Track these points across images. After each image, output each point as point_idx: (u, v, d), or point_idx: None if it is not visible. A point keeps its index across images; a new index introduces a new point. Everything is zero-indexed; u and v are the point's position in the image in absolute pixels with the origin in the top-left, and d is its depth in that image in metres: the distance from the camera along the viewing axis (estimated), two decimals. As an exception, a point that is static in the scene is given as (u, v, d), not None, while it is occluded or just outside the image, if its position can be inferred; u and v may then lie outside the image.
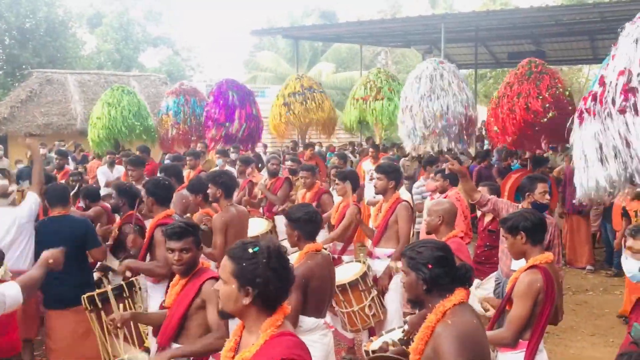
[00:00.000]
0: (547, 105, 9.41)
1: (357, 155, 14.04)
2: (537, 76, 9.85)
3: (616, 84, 3.69)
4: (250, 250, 2.20)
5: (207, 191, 5.28)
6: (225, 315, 2.33)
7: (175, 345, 3.24)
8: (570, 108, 9.40)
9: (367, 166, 9.71)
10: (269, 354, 2.13)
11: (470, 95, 10.61)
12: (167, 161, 10.27)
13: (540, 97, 9.49)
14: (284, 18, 35.04)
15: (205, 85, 25.21)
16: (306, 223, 3.80)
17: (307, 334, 3.58)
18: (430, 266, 2.51)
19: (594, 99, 3.85)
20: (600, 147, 3.73)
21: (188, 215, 5.67)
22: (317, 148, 15.18)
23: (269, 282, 2.17)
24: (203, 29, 68.60)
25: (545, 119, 9.36)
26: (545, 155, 12.72)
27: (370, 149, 10.56)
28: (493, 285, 4.84)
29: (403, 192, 7.48)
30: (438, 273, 2.51)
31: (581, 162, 3.96)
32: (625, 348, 2.81)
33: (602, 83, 3.83)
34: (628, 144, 3.56)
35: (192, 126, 13.87)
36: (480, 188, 5.74)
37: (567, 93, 10.00)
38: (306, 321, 3.62)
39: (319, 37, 20.89)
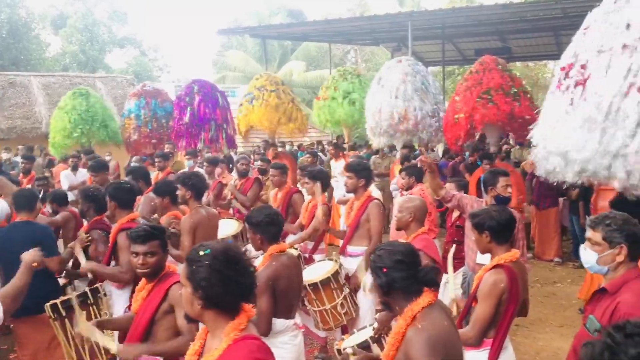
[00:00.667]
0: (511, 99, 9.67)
1: (327, 154, 14.05)
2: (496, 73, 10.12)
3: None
4: (201, 253, 2.20)
5: (176, 193, 5.22)
6: (190, 319, 2.31)
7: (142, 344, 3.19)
8: (530, 104, 9.63)
9: (334, 166, 9.79)
10: (232, 358, 2.11)
11: (438, 92, 10.71)
12: (133, 164, 10.13)
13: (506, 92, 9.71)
14: (251, 17, 34.82)
15: (174, 85, 24.96)
16: (268, 225, 3.76)
17: (277, 335, 3.57)
18: (384, 270, 2.49)
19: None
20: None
21: (156, 216, 5.59)
22: (287, 147, 15.15)
23: (212, 285, 2.15)
24: (170, 28, 67.86)
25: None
26: (512, 150, 12.99)
27: (330, 148, 10.61)
28: (461, 280, 4.90)
29: (374, 190, 7.54)
30: (394, 277, 2.48)
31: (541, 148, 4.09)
32: (586, 339, 2.86)
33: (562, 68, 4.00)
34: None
35: (154, 129, 13.67)
36: (448, 184, 5.79)
37: (527, 89, 10.23)
38: (276, 323, 3.60)
39: (286, 36, 20.83)
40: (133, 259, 3.29)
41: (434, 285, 2.55)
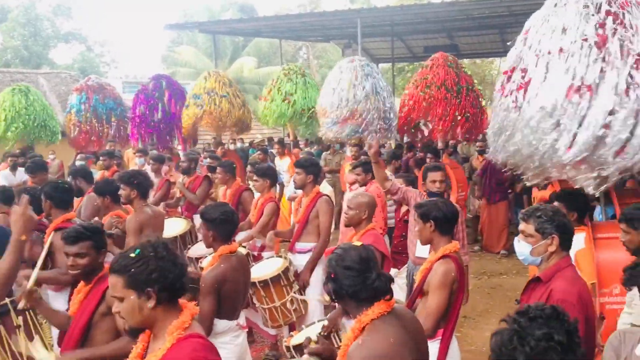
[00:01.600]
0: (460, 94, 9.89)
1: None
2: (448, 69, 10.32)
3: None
4: (132, 255, 2.14)
5: (118, 192, 5.08)
6: (134, 333, 2.24)
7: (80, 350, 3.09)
8: (480, 100, 9.86)
9: (279, 163, 9.80)
10: (176, 358, 2.07)
11: (388, 89, 10.82)
12: (78, 162, 9.83)
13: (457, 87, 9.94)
14: (202, 12, 34.31)
15: (121, 81, 24.36)
16: (222, 223, 3.71)
17: (219, 336, 3.54)
18: (332, 276, 2.41)
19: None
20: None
21: (96, 218, 5.42)
22: (239, 144, 15.00)
23: (166, 272, 2.13)
24: (117, 23, 66.11)
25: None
26: (460, 145, 13.25)
27: (276, 145, 10.60)
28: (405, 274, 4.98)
29: (324, 187, 7.55)
30: (342, 284, 2.38)
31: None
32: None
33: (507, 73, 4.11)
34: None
35: (93, 125, 13.32)
36: (396, 179, 5.86)
37: (476, 87, 10.45)
38: (219, 324, 3.56)
39: (236, 32, 20.58)
40: (65, 260, 3.19)
41: (385, 294, 2.40)
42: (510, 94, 4.04)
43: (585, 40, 3.88)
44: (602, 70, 3.80)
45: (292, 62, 15.49)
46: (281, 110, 12.41)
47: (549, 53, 3.95)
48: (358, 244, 2.57)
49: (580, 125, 3.78)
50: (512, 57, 4.32)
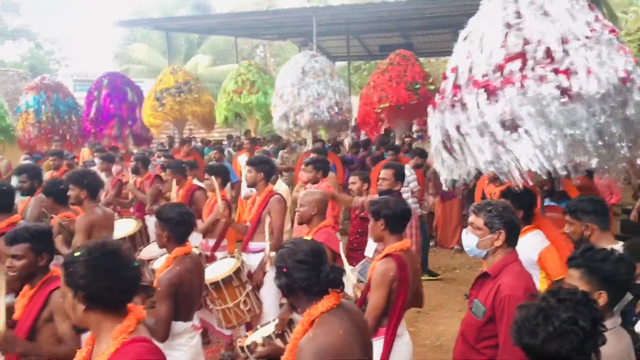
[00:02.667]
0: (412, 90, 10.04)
1: (237, 149, 13.88)
2: (404, 66, 10.45)
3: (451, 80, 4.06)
4: (76, 254, 2.11)
5: (67, 193, 4.94)
6: (78, 330, 2.21)
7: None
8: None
9: (242, 160, 9.63)
10: None
11: (343, 86, 10.86)
12: (25, 162, 9.50)
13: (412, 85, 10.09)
14: (156, 9, 33.68)
15: (72, 79, 23.69)
16: (178, 224, 3.63)
17: (174, 338, 3.48)
18: (285, 270, 2.42)
19: (439, 92, 4.19)
20: (446, 137, 4.04)
21: (44, 220, 5.27)
22: (193, 143, 14.80)
23: (91, 282, 2.07)
24: (68, 19, 64.17)
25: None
26: (413, 143, 13.42)
27: (245, 141, 10.51)
28: (360, 268, 4.99)
29: (280, 184, 7.52)
30: (294, 278, 2.40)
31: (436, 151, 4.25)
32: (472, 322, 2.98)
33: (444, 77, 4.16)
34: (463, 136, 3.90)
35: (55, 124, 12.94)
36: (352, 177, 5.87)
37: (431, 85, 10.60)
38: (174, 325, 3.49)
39: (191, 29, 20.37)
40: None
41: (338, 285, 2.43)
42: (543, 80, 4.05)
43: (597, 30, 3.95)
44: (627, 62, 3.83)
45: (248, 60, 15.32)
46: (264, 102, 12.39)
47: (578, 40, 3.95)
48: (308, 238, 2.58)
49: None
50: (506, 46, 4.31)
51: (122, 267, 2.14)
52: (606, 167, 3.77)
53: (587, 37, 3.81)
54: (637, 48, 20.45)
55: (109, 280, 2.09)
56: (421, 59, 23.78)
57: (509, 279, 2.87)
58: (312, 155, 7.80)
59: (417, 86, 11.16)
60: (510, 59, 3.92)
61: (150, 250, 5.55)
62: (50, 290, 3.01)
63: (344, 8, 14.79)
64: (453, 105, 4.02)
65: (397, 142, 12.11)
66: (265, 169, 5.32)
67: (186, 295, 3.52)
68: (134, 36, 34.57)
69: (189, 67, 27.03)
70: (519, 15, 4.10)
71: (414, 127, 14.22)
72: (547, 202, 5.15)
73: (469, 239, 3.07)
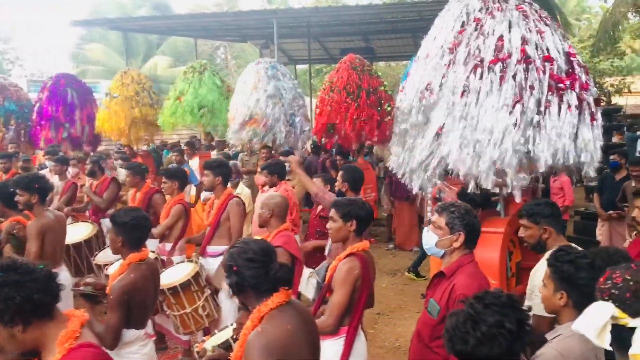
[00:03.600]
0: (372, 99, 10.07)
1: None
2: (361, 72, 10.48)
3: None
4: None
5: (16, 198, 4.79)
6: (28, 355, 2.12)
7: None
8: (370, 104, 10.09)
9: (194, 164, 9.60)
10: None
11: (301, 92, 10.84)
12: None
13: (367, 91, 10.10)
14: (114, 9, 33.01)
15: (26, 80, 22.99)
16: (132, 229, 3.54)
17: (126, 346, 3.41)
18: (235, 269, 2.45)
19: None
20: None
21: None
22: (150, 145, 14.58)
23: (8, 300, 2.00)
24: (21, 18, 62.33)
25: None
26: (374, 147, 13.51)
27: (185, 147, 10.43)
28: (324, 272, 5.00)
29: (241, 187, 7.47)
30: (244, 276, 2.44)
31: (398, 155, 4.35)
32: (428, 322, 3.03)
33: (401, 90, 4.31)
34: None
35: (8, 126, 12.55)
36: (315, 179, 5.87)
37: (386, 90, 10.66)
38: (126, 333, 3.43)
39: (149, 30, 20.01)
40: None
41: (287, 283, 2.51)
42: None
43: (441, 47, 4.13)
44: (444, 75, 4.03)
45: (208, 61, 15.13)
46: (172, 110, 12.16)
47: (419, 58, 4.18)
48: (258, 238, 2.63)
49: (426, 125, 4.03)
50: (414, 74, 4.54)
51: (24, 276, 2.05)
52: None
53: (426, 56, 4.13)
54: (590, 54, 21.13)
55: (23, 290, 2.01)
56: (381, 63, 24.12)
57: (463, 279, 2.94)
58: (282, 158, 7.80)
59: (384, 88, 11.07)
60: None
61: (106, 255, 5.42)
62: None
63: (305, 11, 14.82)
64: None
65: (355, 147, 12.16)
66: (223, 173, 5.28)
67: (139, 304, 3.45)
68: (91, 36, 33.78)
69: (147, 68, 26.70)
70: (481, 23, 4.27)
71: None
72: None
73: (429, 237, 3.13)
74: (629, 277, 1.92)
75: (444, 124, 4.03)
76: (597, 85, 18.71)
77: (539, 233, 3.47)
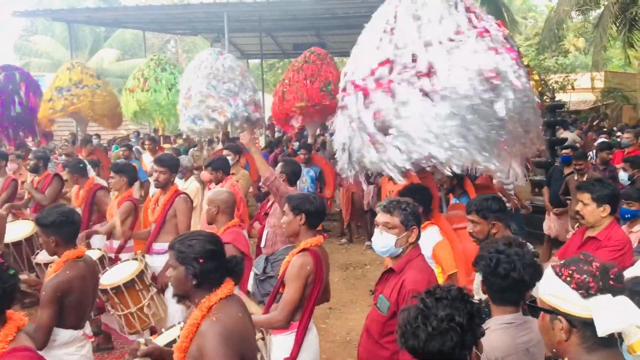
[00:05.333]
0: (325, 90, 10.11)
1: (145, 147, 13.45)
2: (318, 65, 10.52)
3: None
4: None
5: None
6: None
7: None
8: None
9: (147, 158, 9.38)
10: None
11: (254, 84, 10.78)
12: None
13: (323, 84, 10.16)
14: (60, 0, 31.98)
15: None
16: (62, 226, 3.41)
17: (63, 347, 3.29)
18: (201, 260, 2.44)
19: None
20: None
21: None
22: (96, 141, 14.19)
23: None
24: (-39, 8, 59.56)
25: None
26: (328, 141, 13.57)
27: (147, 141, 10.23)
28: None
29: (191, 182, 7.34)
30: (209, 267, 2.44)
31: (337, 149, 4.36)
32: (377, 318, 3.03)
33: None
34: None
35: None
36: (278, 166, 5.76)
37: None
38: (62, 334, 3.31)
39: (95, 22, 19.44)
40: None
41: (239, 276, 2.58)
42: (406, 84, 4.20)
43: (469, 30, 4.10)
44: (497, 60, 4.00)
45: (154, 55, 14.85)
46: (168, 101, 12.00)
47: (440, 43, 4.09)
48: (204, 232, 2.63)
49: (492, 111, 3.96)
50: (380, 49, 4.42)
51: None
52: (493, 167, 3.98)
53: (450, 40, 4.00)
54: (536, 52, 21.77)
55: None
56: (335, 58, 24.18)
57: (413, 274, 2.94)
58: (225, 153, 7.71)
59: (330, 86, 11.23)
60: (381, 63, 4.09)
61: (47, 254, 5.23)
62: None
63: (256, 5, 14.69)
64: (342, 107, 4.18)
65: (310, 140, 12.18)
66: (172, 169, 5.18)
67: (75, 303, 3.33)
68: (35, 28, 32.70)
69: (94, 61, 25.98)
70: (395, 19, 4.26)
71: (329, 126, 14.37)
72: (453, 200, 5.36)
73: (385, 239, 3.06)
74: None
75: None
76: (543, 82, 19.33)
77: (487, 228, 3.50)
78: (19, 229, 5.88)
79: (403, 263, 3.02)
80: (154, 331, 4.79)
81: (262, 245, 5.05)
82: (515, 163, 4.20)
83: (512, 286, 2.40)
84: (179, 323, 3.93)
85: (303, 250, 3.49)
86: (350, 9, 14.43)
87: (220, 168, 6.02)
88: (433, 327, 1.84)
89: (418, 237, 3.10)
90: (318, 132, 13.36)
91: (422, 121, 3.85)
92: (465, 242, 4.21)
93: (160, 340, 3.62)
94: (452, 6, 4.22)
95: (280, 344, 3.46)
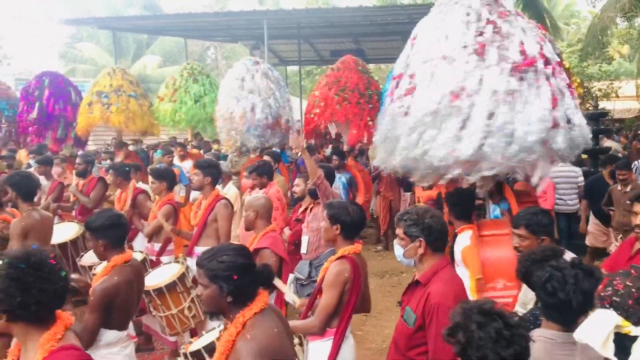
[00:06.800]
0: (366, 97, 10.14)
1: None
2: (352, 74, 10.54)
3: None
4: None
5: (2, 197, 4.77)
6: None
7: None
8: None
9: (187, 164, 9.59)
10: None
11: (284, 93, 10.86)
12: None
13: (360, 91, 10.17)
14: (104, 8, 32.84)
15: (14, 78, 22.81)
16: (111, 229, 3.47)
17: (107, 347, 3.38)
18: (235, 277, 2.36)
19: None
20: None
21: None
22: (133, 147, 14.48)
23: (11, 296, 1.99)
24: (10, 16, 61.79)
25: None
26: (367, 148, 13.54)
27: (178, 148, 10.46)
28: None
29: (230, 188, 7.45)
30: (244, 282, 2.38)
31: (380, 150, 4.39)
32: (403, 330, 2.98)
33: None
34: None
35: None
36: (297, 180, 5.84)
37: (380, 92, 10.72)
38: (107, 334, 3.40)
39: (138, 29, 19.92)
40: None
41: (269, 284, 2.49)
42: (399, 100, 4.20)
43: (465, 47, 4.09)
44: (480, 77, 4.01)
45: (198, 62, 15.14)
46: (191, 113, 12.19)
47: (433, 60, 4.13)
48: (235, 243, 2.64)
49: (462, 129, 3.97)
50: (400, 63, 4.47)
51: (48, 281, 2.05)
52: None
53: (443, 57, 4.03)
54: (578, 59, 21.31)
55: (29, 297, 2.01)
56: (371, 66, 24.19)
57: (439, 286, 2.86)
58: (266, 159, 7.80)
59: (368, 93, 11.18)
60: (395, 77, 4.17)
61: (92, 256, 5.35)
62: None
63: (295, 12, 14.80)
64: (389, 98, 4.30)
65: (346, 148, 12.19)
66: (213, 173, 5.27)
67: (122, 306, 3.40)
68: (80, 35, 33.65)
69: (137, 68, 26.58)
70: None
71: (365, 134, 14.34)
72: (491, 205, 5.31)
73: (397, 250, 3.09)
74: (630, 284, 1.87)
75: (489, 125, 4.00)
76: (585, 89, 18.91)
77: (536, 243, 3.34)
78: (65, 231, 6.03)
79: (429, 274, 2.93)
80: (194, 333, 4.89)
81: (303, 250, 5.05)
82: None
83: (557, 305, 2.30)
84: (219, 326, 3.99)
85: (341, 257, 3.51)
86: (389, 17, 14.42)
87: (265, 173, 6.07)
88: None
89: (434, 247, 2.97)
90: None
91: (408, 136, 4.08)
92: (498, 249, 4.18)
93: (200, 343, 3.69)
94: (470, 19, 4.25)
95: (317, 350, 3.48)
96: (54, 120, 12.08)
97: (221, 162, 8.29)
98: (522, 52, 4.11)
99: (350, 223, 3.53)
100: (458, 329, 1.89)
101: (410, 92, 4.14)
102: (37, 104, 12.01)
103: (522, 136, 3.92)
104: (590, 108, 12.31)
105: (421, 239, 2.94)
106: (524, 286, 3.33)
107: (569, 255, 2.55)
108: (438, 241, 2.98)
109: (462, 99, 3.97)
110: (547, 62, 4.15)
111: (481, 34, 4.13)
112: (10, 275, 1.99)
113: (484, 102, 3.94)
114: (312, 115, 10.54)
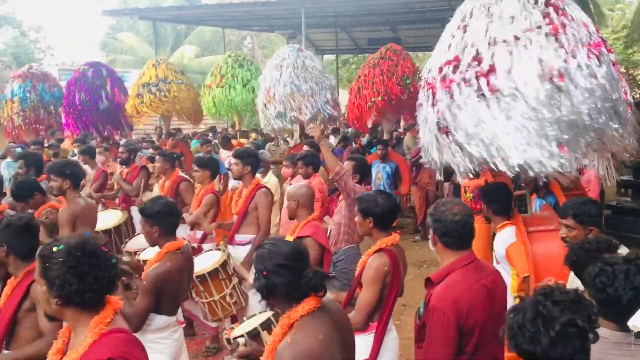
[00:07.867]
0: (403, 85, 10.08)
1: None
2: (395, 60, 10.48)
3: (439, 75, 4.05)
4: (54, 249, 2.07)
5: (50, 184, 4.90)
6: (50, 317, 2.19)
7: (5, 352, 2.98)
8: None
9: (224, 153, 9.65)
10: (97, 354, 2.02)
11: (333, 80, 10.86)
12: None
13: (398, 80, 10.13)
14: (143, -2, 33.31)
15: (57, 69, 23.39)
16: (166, 216, 3.55)
17: (157, 331, 3.47)
18: (264, 273, 2.33)
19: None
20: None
21: (30, 211, 5.21)
22: (179, 135, 14.74)
23: (67, 283, 2.04)
24: (53, 7, 63.20)
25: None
26: (404, 137, 13.49)
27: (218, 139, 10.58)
28: None
29: (270, 177, 7.49)
30: (274, 282, 2.31)
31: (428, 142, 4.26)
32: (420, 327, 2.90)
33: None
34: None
35: (40, 114, 12.81)
36: (346, 163, 5.73)
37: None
38: (157, 319, 3.48)
39: (177, 20, 20.18)
40: None
41: (319, 290, 2.36)
42: (465, 84, 3.92)
43: (540, 28, 3.86)
44: (565, 60, 3.76)
45: (236, 51, 15.27)
46: (242, 98, 12.36)
47: (504, 41, 3.87)
48: (290, 239, 2.51)
49: (559, 111, 3.72)
50: (451, 47, 4.21)
51: (100, 269, 2.10)
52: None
53: (516, 38, 3.82)
54: (623, 45, 20.64)
55: (84, 284, 2.06)
56: (410, 53, 23.95)
57: (440, 289, 2.74)
58: (305, 148, 7.75)
59: (408, 81, 11.16)
60: (448, 62, 3.95)
61: (137, 242, 5.50)
62: (31, 281, 2.97)
63: (333, 1, 14.75)
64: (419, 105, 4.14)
65: (385, 137, 12.14)
66: (252, 162, 5.31)
67: (172, 292, 3.48)
68: (120, 26, 34.22)
69: (175, 58, 26.88)
70: (471, 16, 4.11)
71: (402, 122, 14.25)
72: (536, 200, 5.19)
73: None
74: None
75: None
76: (631, 77, 18.33)
77: (584, 234, 3.26)
78: (109, 218, 6.20)
79: (442, 274, 2.80)
80: (235, 319, 4.96)
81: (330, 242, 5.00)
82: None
83: (605, 301, 2.24)
84: (260, 312, 4.05)
85: (379, 250, 3.45)
86: (427, 3, 14.23)
87: (311, 163, 6.04)
88: (556, 332, 1.74)
89: (448, 243, 2.80)
90: (393, 127, 13.29)
91: (479, 122, 3.75)
92: (547, 245, 4.05)
93: (242, 329, 3.74)
94: (529, 1, 4.04)
95: (359, 344, 3.42)
96: (122, 109, 12.40)
97: (261, 151, 8.35)
98: (588, 33, 3.93)
99: (381, 214, 3.48)
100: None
101: (483, 74, 3.89)
102: (103, 94, 12.31)
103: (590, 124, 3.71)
104: (636, 96, 11.94)
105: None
106: (570, 275, 3.26)
107: (623, 250, 2.47)
108: (454, 238, 2.79)
109: (555, 81, 3.71)
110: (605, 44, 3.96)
111: (547, 15, 3.93)
112: (68, 263, 2.05)
113: (577, 85, 3.71)
114: (373, 102, 10.57)
